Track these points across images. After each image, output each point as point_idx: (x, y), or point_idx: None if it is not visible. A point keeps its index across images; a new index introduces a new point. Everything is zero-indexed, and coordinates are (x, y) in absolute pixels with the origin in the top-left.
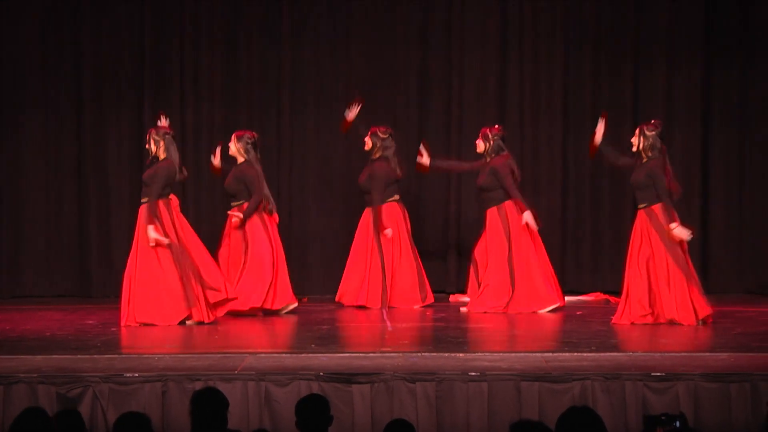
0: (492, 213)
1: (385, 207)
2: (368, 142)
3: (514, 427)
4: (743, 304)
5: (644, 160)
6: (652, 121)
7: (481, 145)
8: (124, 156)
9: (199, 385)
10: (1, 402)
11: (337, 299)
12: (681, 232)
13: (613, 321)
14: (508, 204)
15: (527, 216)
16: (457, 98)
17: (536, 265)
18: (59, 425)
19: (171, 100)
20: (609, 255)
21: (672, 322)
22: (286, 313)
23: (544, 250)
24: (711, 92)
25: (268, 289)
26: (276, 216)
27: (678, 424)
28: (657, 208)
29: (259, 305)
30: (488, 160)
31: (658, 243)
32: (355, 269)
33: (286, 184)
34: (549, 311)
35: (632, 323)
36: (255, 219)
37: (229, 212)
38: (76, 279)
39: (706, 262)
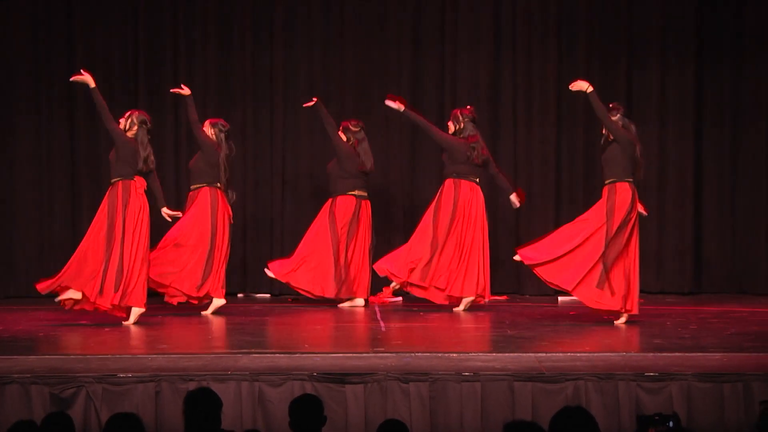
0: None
1: (341, 199)
2: (342, 136)
3: (508, 427)
4: (736, 304)
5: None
6: (611, 105)
7: (451, 126)
8: None
9: (192, 386)
10: None
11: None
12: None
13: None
14: (465, 182)
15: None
16: (450, 98)
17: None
18: (49, 428)
19: (165, 100)
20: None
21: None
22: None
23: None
24: (703, 91)
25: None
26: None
27: (671, 424)
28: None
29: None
30: (456, 138)
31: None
32: (306, 256)
33: (279, 181)
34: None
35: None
36: (209, 203)
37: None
38: None
39: (699, 261)
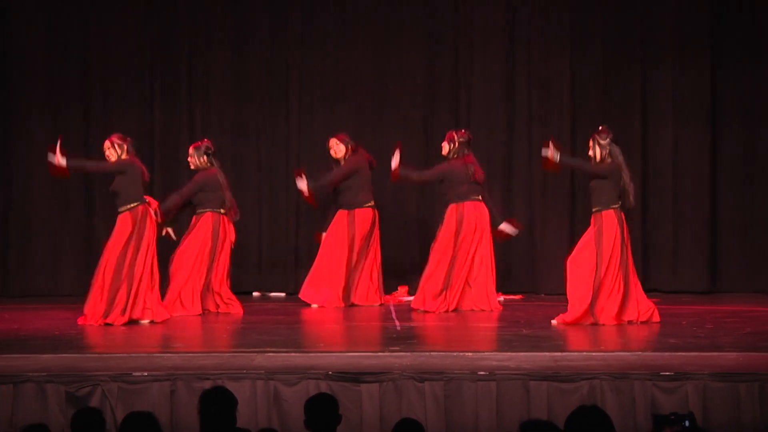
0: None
1: (360, 212)
2: (342, 149)
3: (524, 426)
4: (752, 304)
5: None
6: (600, 128)
7: (445, 147)
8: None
9: (207, 384)
10: (10, 401)
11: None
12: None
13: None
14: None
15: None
16: (465, 98)
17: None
18: (78, 424)
19: (180, 100)
20: None
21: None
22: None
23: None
24: (719, 91)
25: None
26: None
27: (687, 423)
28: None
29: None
30: (450, 162)
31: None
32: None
33: (293, 181)
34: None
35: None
36: (212, 223)
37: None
38: (83, 278)
39: (715, 261)
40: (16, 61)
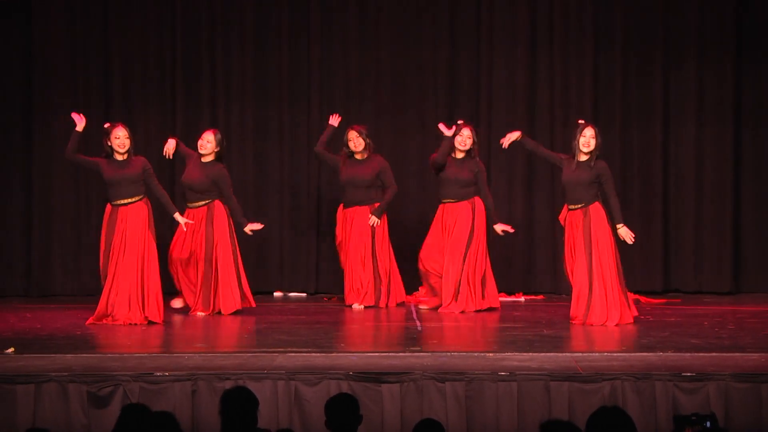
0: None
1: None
2: (360, 143)
3: (544, 426)
4: None
5: (585, 159)
6: (579, 121)
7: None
8: (154, 156)
9: (228, 384)
10: (32, 401)
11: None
12: (626, 233)
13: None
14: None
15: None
16: (486, 98)
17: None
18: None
19: (201, 100)
20: (641, 254)
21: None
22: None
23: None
24: (742, 90)
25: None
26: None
27: (708, 424)
28: (598, 206)
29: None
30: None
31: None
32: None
33: (315, 180)
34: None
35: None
36: (227, 219)
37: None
38: None
39: (738, 261)
40: (38, 61)
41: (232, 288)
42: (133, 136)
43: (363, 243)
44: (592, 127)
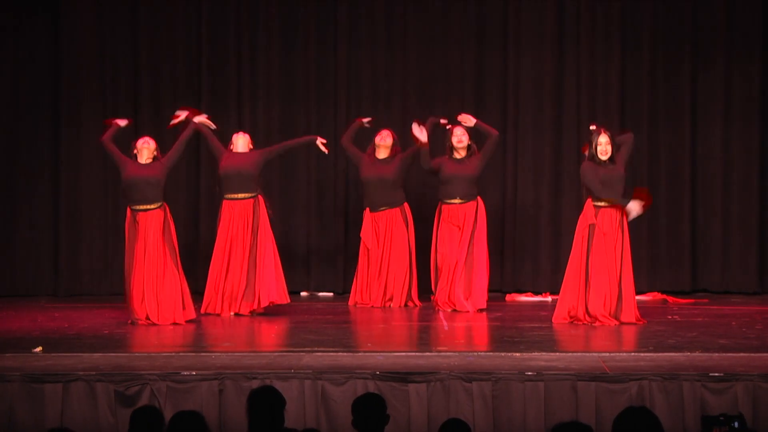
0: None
1: (407, 206)
2: (389, 142)
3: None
4: None
5: (604, 160)
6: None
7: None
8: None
9: (255, 384)
10: (60, 400)
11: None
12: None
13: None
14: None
15: None
16: (513, 98)
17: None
18: (137, 422)
19: (228, 100)
20: (668, 254)
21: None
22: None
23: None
24: None
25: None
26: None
27: (736, 424)
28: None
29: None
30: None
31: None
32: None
33: (342, 180)
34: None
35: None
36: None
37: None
38: None
39: (765, 261)
40: (66, 62)
41: (276, 280)
42: (158, 146)
43: (402, 245)
44: (605, 132)
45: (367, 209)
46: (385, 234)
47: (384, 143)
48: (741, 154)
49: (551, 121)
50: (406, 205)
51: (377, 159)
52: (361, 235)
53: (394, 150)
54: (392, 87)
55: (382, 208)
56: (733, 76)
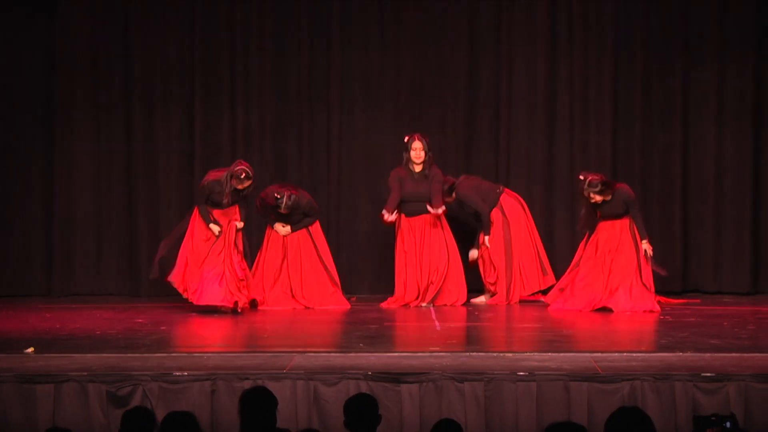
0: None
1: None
2: (422, 155)
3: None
4: None
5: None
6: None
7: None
8: (174, 156)
9: (248, 384)
10: (52, 400)
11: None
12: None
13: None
14: None
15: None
16: (506, 98)
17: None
18: (128, 423)
19: (221, 100)
20: (660, 255)
21: None
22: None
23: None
24: (762, 91)
25: None
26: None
27: (728, 424)
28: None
29: None
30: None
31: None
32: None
33: (335, 183)
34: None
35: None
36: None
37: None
38: (125, 278)
39: (758, 261)
40: (60, 61)
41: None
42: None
43: (439, 247)
44: (589, 182)
45: (402, 215)
46: (420, 237)
47: (417, 160)
48: (733, 153)
49: (544, 122)
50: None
51: (416, 175)
52: (397, 239)
53: (428, 163)
54: (385, 87)
55: (417, 215)
56: (725, 76)
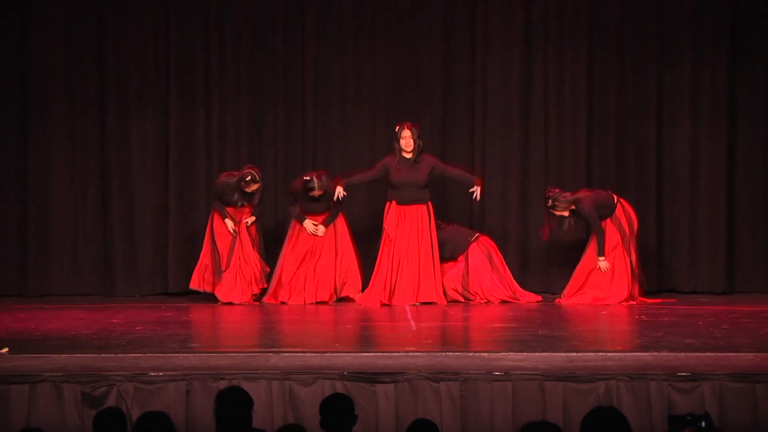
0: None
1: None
2: (411, 143)
3: (524, 429)
4: None
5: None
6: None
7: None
8: (148, 156)
9: (223, 384)
10: (26, 401)
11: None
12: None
13: None
14: None
15: None
16: (481, 97)
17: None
18: (100, 424)
19: (196, 100)
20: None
21: None
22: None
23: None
24: (736, 90)
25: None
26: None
27: (703, 424)
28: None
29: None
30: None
31: None
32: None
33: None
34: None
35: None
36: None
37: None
38: (100, 278)
39: (733, 261)
40: (34, 59)
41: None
42: None
43: (425, 239)
44: (545, 198)
45: (393, 202)
46: (408, 226)
47: (407, 148)
48: (708, 153)
49: (519, 118)
50: (430, 203)
51: (406, 162)
52: (384, 225)
53: (417, 150)
54: (360, 87)
55: (408, 204)
56: (700, 75)
